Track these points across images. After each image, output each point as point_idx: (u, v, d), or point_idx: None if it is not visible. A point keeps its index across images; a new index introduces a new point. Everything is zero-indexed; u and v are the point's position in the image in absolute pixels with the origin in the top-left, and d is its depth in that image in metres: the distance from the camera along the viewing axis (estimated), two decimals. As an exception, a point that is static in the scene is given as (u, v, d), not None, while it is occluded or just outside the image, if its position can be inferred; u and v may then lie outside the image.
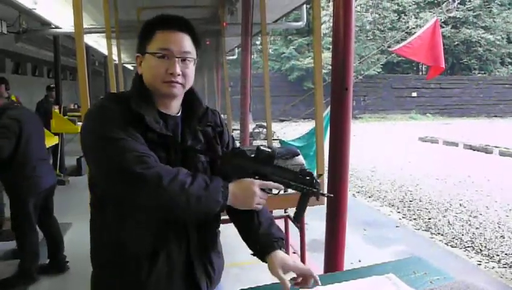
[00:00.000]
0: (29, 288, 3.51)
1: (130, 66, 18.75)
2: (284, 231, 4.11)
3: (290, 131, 13.50)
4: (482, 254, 4.72)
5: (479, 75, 28.58)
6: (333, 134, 2.50)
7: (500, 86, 27.27)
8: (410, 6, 28.27)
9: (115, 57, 6.73)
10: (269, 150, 1.29)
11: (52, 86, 8.12)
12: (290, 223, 3.79)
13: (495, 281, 4.06)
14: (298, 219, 1.41)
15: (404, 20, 27.62)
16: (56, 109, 7.46)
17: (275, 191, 1.34)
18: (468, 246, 4.95)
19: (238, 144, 1.40)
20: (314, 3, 2.94)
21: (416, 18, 26.72)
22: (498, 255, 4.65)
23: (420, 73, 29.51)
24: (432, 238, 5.30)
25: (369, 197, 7.45)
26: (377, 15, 27.57)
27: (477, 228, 5.56)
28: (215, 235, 1.43)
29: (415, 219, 6.08)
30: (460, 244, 5.03)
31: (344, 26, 2.39)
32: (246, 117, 5.99)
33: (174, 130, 1.30)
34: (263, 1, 4.79)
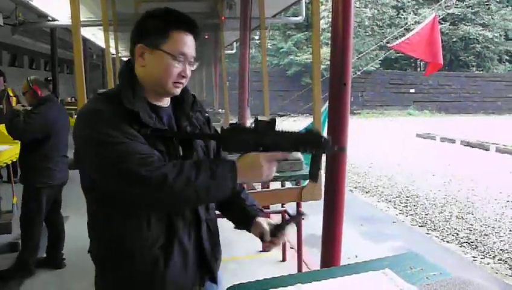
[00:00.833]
0: (25, 281, 3.51)
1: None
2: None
3: (288, 126, 13.49)
4: (477, 250, 4.74)
5: (477, 72, 28.62)
6: (331, 129, 2.50)
7: (497, 83, 27.33)
8: (409, 2, 28.24)
9: (112, 50, 6.70)
10: (268, 119, 1.24)
11: (49, 78, 8.08)
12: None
13: (490, 276, 4.09)
14: (314, 178, 1.29)
15: (403, 16, 27.59)
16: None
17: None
18: (464, 242, 4.98)
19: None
20: (313, -3, 2.93)
21: (415, 14, 26.66)
22: (494, 251, 4.68)
23: (418, 69, 29.53)
24: (428, 234, 5.32)
25: (366, 192, 7.47)
26: (376, 11, 27.52)
27: (473, 224, 5.59)
28: (216, 219, 1.45)
29: (411, 214, 6.10)
30: (456, 240, 5.06)
31: (343, 21, 2.38)
32: (244, 112, 5.97)
33: (169, 121, 1.31)
34: (262, -5, 4.78)
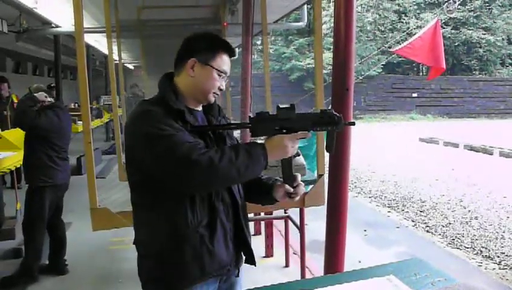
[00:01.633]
0: (29, 287, 3.51)
1: (130, 66, 18.72)
2: (284, 232, 4.12)
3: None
4: (482, 255, 4.71)
5: (480, 76, 28.52)
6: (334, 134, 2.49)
7: (500, 86, 27.23)
8: (410, 7, 28.24)
9: (115, 56, 6.72)
10: (288, 105, 1.45)
11: (52, 84, 8.11)
12: (290, 223, 3.79)
13: (496, 282, 4.06)
14: (331, 150, 1.53)
15: (404, 21, 27.58)
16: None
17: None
18: (468, 247, 4.94)
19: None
20: (315, 3, 2.93)
21: (417, 19, 26.69)
22: (498, 257, 4.64)
23: (421, 74, 29.48)
24: (432, 239, 5.29)
25: (370, 197, 7.45)
26: (377, 15, 27.53)
27: (477, 229, 5.55)
28: (246, 205, 1.64)
29: (415, 219, 6.07)
30: (461, 245, 5.02)
31: (345, 26, 2.38)
32: (246, 117, 5.97)
33: (203, 122, 1.55)
34: (264, 1, 4.78)
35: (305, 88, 24.11)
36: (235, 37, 8.24)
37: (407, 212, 6.45)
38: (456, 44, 27.60)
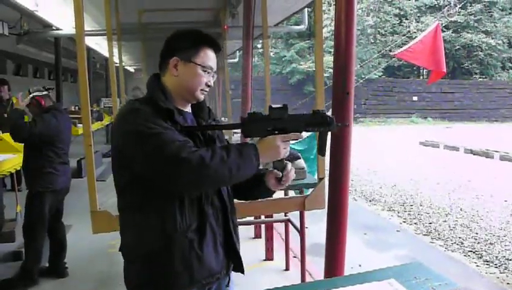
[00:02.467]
0: (29, 290, 3.50)
1: (131, 69, 18.75)
2: (284, 235, 4.11)
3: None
4: (482, 259, 4.70)
5: (480, 79, 28.56)
6: (334, 138, 2.49)
7: (501, 90, 27.27)
8: (411, 10, 28.31)
9: (116, 59, 6.73)
10: (281, 105, 1.43)
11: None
12: (291, 227, 3.79)
13: (496, 286, 4.04)
14: (322, 153, 1.55)
15: (405, 25, 27.66)
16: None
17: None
18: (469, 251, 4.93)
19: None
20: (316, 6, 2.93)
21: (418, 22, 26.76)
22: (499, 261, 4.63)
23: (421, 77, 29.53)
24: (433, 242, 5.28)
25: (370, 201, 7.44)
26: (378, 19, 27.60)
27: (477, 233, 5.54)
28: (235, 210, 1.60)
29: (415, 223, 6.06)
30: (461, 249, 5.01)
31: (346, 30, 2.38)
32: (246, 120, 5.97)
33: (192, 123, 1.51)
34: (264, 4, 4.79)
35: (305, 91, 24.13)
36: (236, 40, 8.26)
37: (408, 215, 6.45)
38: (457, 48, 27.66)
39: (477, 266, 4.54)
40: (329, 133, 1.49)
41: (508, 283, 4.11)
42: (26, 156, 3.60)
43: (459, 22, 26.63)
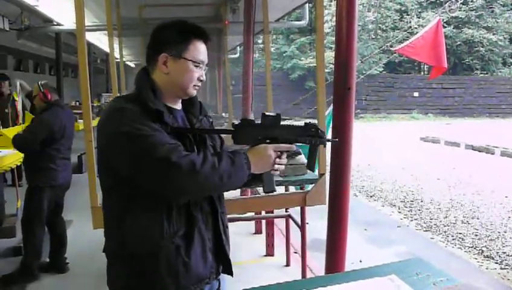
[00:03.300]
0: (29, 286, 3.50)
1: (131, 64, 18.72)
2: (285, 231, 4.11)
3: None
4: (483, 255, 4.70)
5: (481, 75, 28.49)
6: (335, 133, 2.49)
7: (502, 86, 27.19)
8: (412, 6, 28.19)
9: (116, 54, 6.72)
10: (274, 114, 1.40)
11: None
12: (291, 222, 3.79)
13: (497, 282, 4.05)
14: (312, 168, 1.53)
15: (406, 20, 27.55)
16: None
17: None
18: (469, 247, 4.94)
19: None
20: (317, 2, 2.91)
21: (419, 18, 26.65)
22: (500, 257, 4.64)
23: (422, 73, 29.44)
24: (433, 238, 5.28)
25: (370, 196, 7.44)
26: (379, 14, 27.50)
27: (478, 229, 5.54)
28: (226, 213, 1.54)
29: (416, 219, 6.06)
30: (462, 245, 5.02)
31: (347, 25, 2.37)
32: (247, 116, 5.96)
33: (183, 122, 1.45)
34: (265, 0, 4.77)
35: (306, 87, 24.08)
36: (237, 36, 8.23)
37: (408, 211, 6.45)
38: (458, 43, 27.57)
39: (478, 262, 4.55)
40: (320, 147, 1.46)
41: (508, 279, 4.11)
42: (27, 154, 3.60)
43: (460, 18, 26.53)
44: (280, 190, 3.37)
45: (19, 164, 4.50)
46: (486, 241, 5.08)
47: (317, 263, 3.75)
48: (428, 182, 8.32)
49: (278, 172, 1.41)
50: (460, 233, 5.39)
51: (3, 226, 4.55)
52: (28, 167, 3.63)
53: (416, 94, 26.55)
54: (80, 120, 7.69)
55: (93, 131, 2.67)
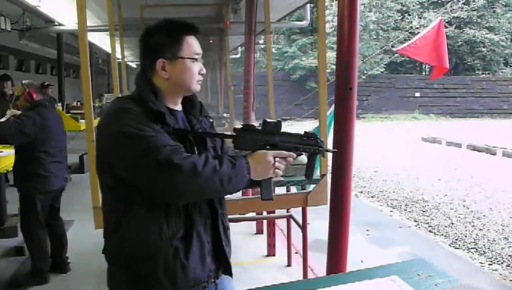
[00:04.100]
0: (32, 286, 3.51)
1: (133, 64, 18.74)
2: (286, 231, 4.11)
3: (293, 130, 13.47)
4: (485, 256, 4.69)
5: (483, 75, 28.45)
6: (337, 134, 2.48)
7: (503, 86, 27.13)
8: (414, 6, 28.18)
9: (118, 55, 6.73)
10: (274, 120, 1.40)
11: (46, 83, 8.08)
12: (293, 223, 3.79)
13: (499, 283, 4.04)
14: (310, 177, 1.52)
15: (407, 20, 27.55)
16: (59, 106, 7.46)
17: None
18: (471, 248, 4.93)
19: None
20: (319, 2, 2.91)
21: (420, 18, 26.63)
22: (502, 257, 4.63)
23: (423, 73, 29.41)
24: (435, 239, 5.27)
25: (372, 197, 7.43)
26: (380, 15, 27.49)
27: (480, 229, 5.53)
28: (227, 214, 1.53)
29: (418, 219, 6.05)
30: (464, 245, 5.01)
31: (349, 25, 2.37)
32: (249, 116, 5.95)
33: (183, 123, 1.43)
34: (267, 0, 4.77)
35: (307, 87, 24.08)
36: (238, 36, 8.24)
37: (410, 212, 6.44)
38: (459, 43, 27.54)
39: (480, 262, 4.54)
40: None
41: (510, 280, 4.10)
42: (15, 159, 3.45)
43: (462, 18, 26.50)
44: (281, 190, 3.37)
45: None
46: (488, 242, 5.07)
47: (318, 264, 3.75)
48: (430, 183, 8.31)
49: (276, 178, 1.41)
50: (462, 234, 5.38)
51: (6, 226, 4.56)
52: (17, 173, 3.46)
53: (417, 94, 26.52)
54: (81, 120, 7.71)
55: (94, 131, 2.67)
